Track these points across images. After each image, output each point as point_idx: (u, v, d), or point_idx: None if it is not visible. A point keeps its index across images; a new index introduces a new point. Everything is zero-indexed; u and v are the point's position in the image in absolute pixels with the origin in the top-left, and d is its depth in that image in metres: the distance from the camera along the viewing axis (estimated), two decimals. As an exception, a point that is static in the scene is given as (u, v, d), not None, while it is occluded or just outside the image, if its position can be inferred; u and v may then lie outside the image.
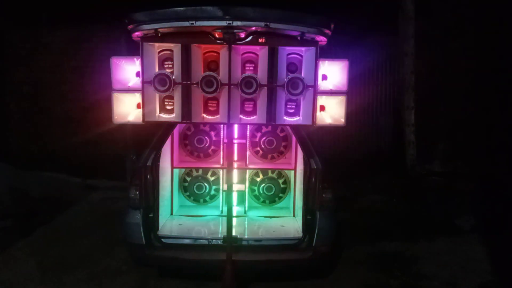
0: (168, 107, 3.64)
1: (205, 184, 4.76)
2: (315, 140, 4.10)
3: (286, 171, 4.79)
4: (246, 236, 3.92)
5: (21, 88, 8.05)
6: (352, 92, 3.74)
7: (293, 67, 3.64)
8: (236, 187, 4.60)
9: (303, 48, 3.54)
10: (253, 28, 3.32)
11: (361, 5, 7.10)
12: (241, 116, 3.61)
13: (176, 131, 4.63)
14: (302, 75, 3.52)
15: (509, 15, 6.59)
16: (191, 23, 3.22)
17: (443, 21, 7.36)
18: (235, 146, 4.61)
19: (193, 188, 4.77)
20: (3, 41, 7.94)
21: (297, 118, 3.66)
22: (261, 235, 4.03)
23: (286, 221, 4.42)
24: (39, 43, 7.90)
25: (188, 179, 4.81)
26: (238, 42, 3.38)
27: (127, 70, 3.58)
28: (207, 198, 4.84)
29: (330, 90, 3.63)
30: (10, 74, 8.03)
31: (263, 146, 4.72)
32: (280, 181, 4.82)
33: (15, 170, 7.20)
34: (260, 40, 3.42)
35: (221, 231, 4.05)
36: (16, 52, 7.97)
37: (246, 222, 4.39)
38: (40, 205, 6.17)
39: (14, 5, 7.67)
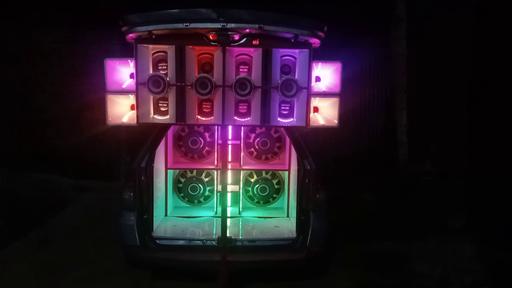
0: (162, 109, 3.65)
1: (199, 185, 4.78)
2: (309, 141, 4.13)
3: (280, 172, 4.82)
4: (240, 237, 3.94)
5: (13, 88, 7.98)
6: (345, 93, 3.77)
7: (286, 69, 3.66)
8: (230, 188, 4.63)
9: (296, 50, 3.56)
10: (247, 30, 3.34)
11: (353, 7, 7.15)
12: (235, 117, 3.62)
13: (170, 132, 4.64)
14: (296, 77, 3.55)
15: (501, 16, 6.67)
16: (185, 25, 3.23)
17: (435, 22, 7.43)
18: (229, 147, 4.63)
19: (187, 189, 4.79)
20: (-6, 41, 7.87)
21: (291, 119, 3.68)
22: (255, 235, 4.05)
23: (280, 221, 4.45)
24: (32, 43, 7.84)
25: (183, 180, 4.82)
26: (232, 44, 3.40)
27: (121, 72, 3.59)
28: (202, 199, 4.85)
29: (323, 92, 3.67)
30: (2, 74, 7.95)
31: (257, 147, 4.74)
32: (274, 181, 4.85)
33: (7, 171, 7.13)
34: (254, 42, 3.44)
35: (216, 232, 4.06)
36: (8, 52, 7.90)
37: (240, 223, 4.41)
38: (33, 207, 6.11)
39: (6, 5, 7.60)
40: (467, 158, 7.13)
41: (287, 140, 4.53)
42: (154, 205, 3.98)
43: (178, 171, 4.83)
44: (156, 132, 3.96)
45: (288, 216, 4.59)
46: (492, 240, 4.99)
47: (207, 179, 4.82)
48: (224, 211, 3.63)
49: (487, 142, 6.80)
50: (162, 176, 4.46)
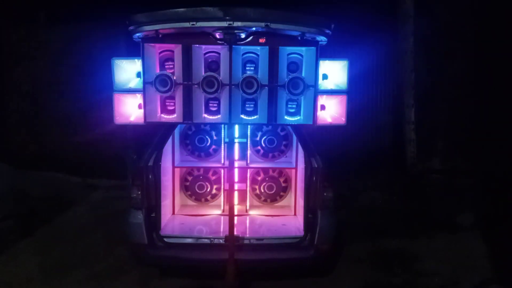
0: (169, 108, 3.65)
1: (206, 183, 4.79)
2: (316, 138, 4.11)
3: (287, 170, 4.81)
4: (247, 235, 3.93)
5: (20, 87, 8.03)
6: (352, 90, 3.73)
7: (293, 66, 3.64)
8: (237, 186, 4.63)
9: (303, 48, 3.54)
10: (254, 29, 3.32)
11: (360, 3, 7.10)
12: (242, 116, 3.61)
13: (177, 131, 4.64)
14: (303, 74, 3.53)
15: (508, 14, 6.60)
16: (192, 24, 3.22)
17: (443, 19, 7.35)
18: (236, 145, 4.63)
19: (194, 187, 4.79)
20: (1, 39, 7.92)
21: (298, 117, 3.66)
22: (262, 234, 4.04)
23: (288, 219, 4.44)
24: (38, 42, 7.88)
25: (190, 178, 4.83)
26: (238, 43, 3.38)
27: (128, 71, 3.59)
28: (209, 197, 4.86)
29: (330, 90, 3.64)
30: (8, 73, 8.01)
31: (264, 145, 4.73)
32: (281, 180, 4.84)
33: (15, 170, 7.19)
34: (260, 41, 3.42)
35: (223, 230, 4.07)
36: (15, 51, 7.95)
37: (247, 221, 4.42)
38: (41, 205, 6.16)
39: (12, 4, 7.64)
40: (475, 155, 7.07)
41: (294, 138, 4.52)
42: (161, 203, 3.99)
43: (185, 169, 4.83)
44: (163, 130, 3.96)
45: (295, 214, 4.58)
46: (501, 238, 4.95)
47: (214, 177, 4.82)
48: (231, 209, 3.63)
49: (496, 139, 6.74)
50: (169, 174, 4.47)
